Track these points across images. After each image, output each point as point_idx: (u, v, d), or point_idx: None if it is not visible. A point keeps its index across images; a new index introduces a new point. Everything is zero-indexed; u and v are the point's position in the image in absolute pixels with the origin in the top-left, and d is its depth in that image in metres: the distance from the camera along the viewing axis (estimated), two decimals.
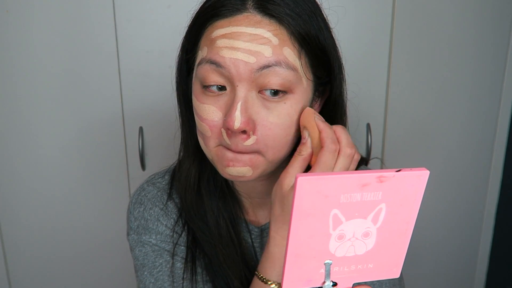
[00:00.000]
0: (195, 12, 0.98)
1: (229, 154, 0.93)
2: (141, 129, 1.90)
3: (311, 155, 0.88)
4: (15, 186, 1.96)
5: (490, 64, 2.06)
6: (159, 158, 1.95)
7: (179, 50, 1.03)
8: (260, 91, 0.89)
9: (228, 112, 0.89)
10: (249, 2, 0.89)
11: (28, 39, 1.80)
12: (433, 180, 2.26)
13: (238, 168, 0.93)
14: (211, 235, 1.08)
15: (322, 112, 1.03)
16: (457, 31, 1.98)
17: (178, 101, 1.08)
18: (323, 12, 0.97)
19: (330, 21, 0.99)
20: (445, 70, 2.02)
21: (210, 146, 0.95)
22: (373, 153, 2.01)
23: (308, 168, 0.91)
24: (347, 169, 0.88)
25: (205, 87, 0.91)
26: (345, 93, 1.05)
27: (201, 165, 1.10)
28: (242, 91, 0.88)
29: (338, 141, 0.88)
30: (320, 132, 0.87)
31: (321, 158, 0.85)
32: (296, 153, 0.90)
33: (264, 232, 1.16)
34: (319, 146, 0.87)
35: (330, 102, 1.04)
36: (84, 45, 1.82)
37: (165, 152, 1.90)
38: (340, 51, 1.01)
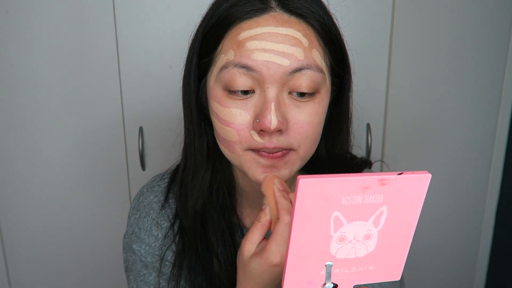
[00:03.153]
0: (207, 15, 0.95)
1: (264, 161, 0.91)
2: (141, 129, 1.90)
3: (270, 222, 0.84)
4: (16, 186, 1.96)
5: (490, 64, 2.05)
6: (159, 158, 1.94)
7: (187, 53, 1.00)
8: (290, 92, 0.88)
9: (261, 113, 0.86)
10: (273, 2, 0.88)
11: (28, 39, 1.79)
12: (433, 180, 2.25)
13: (275, 173, 0.91)
14: (210, 243, 1.08)
15: (333, 113, 1.04)
16: (457, 31, 1.97)
17: (185, 107, 1.03)
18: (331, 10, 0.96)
19: (336, 19, 0.98)
20: (445, 70, 2.02)
21: (237, 152, 0.92)
22: (373, 153, 2.01)
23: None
24: None
25: (231, 91, 0.89)
26: (352, 93, 1.05)
27: (212, 172, 1.08)
28: (273, 92, 0.86)
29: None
30: (276, 203, 0.82)
31: (276, 231, 0.80)
32: (256, 220, 0.86)
33: None
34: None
35: (342, 101, 1.03)
36: (84, 45, 1.82)
37: (165, 152, 1.88)
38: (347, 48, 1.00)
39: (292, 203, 0.81)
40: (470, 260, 2.32)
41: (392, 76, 1.96)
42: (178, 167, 1.15)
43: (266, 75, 0.85)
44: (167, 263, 1.11)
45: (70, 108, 1.88)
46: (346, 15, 1.76)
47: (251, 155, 0.91)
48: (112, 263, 2.05)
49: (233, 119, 0.89)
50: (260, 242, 0.83)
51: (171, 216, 1.13)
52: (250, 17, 0.87)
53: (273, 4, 0.87)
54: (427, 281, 2.28)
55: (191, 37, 0.99)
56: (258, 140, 0.88)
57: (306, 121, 0.89)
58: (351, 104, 1.07)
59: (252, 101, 0.88)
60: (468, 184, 2.22)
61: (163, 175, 1.19)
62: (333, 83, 0.97)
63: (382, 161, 2.00)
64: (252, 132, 0.88)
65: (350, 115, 1.08)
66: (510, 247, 2.25)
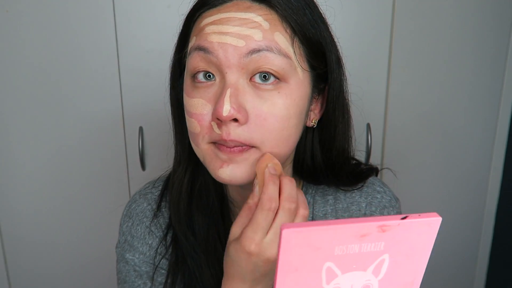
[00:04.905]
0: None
1: (223, 155, 0.82)
2: (141, 129, 1.85)
3: None
4: (15, 186, 1.91)
5: (490, 64, 2.01)
6: (159, 158, 1.89)
7: (172, 53, 0.95)
8: (251, 78, 0.80)
9: (218, 101, 0.79)
10: None
11: (28, 39, 1.75)
12: (433, 180, 2.15)
13: (232, 168, 0.82)
14: (199, 252, 0.99)
15: (323, 114, 0.93)
16: (457, 31, 1.93)
17: (171, 106, 1.00)
18: (318, 7, 0.88)
19: (327, 17, 0.90)
20: (445, 69, 1.96)
21: (200, 144, 0.84)
22: (373, 153, 1.94)
23: None
24: None
25: (194, 77, 0.83)
26: (346, 91, 0.94)
27: (193, 173, 0.99)
28: (231, 78, 0.79)
29: (279, 194, 0.76)
30: (262, 186, 0.76)
31: (254, 216, 0.74)
32: (245, 203, 0.79)
33: None
34: None
35: (330, 101, 0.91)
36: (84, 45, 1.77)
37: (165, 152, 1.83)
38: (340, 49, 0.90)
39: (280, 190, 0.76)
40: (470, 260, 2.29)
41: (392, 76, 1.91)
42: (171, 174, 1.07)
43: (223, 57, 0.79)
44: (162, 271, 1.02)
45: (71, 108, 1.83)
46: (346, 15, 1.69)
47: (211, 148, 0.84)
48: (112, 263, 1.97)
49: (195, 109, 0.83)
50: None
51: (163, 226, 1.04)
52: (214, 6, 0.82)
53: None
54: (427, 281, 2.16)
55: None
56: (216, 132, 0.81)
57: (269, 113, 0.80)
58: (347, 104, 0.95)
59: (214, 90, 0.82)
60: (468, 184, 2.16)
61: (156, 182, 1.11)
62: (317, 81, 0.88)
63: (388, 168, 1.90)
64: (213, 123, 0.81)
65: (347, 116, 0.96)
66: (510, 247, 2.23)
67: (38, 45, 1.75)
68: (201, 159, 0.87)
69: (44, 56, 1.76)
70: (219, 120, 0.79)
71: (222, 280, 0.81)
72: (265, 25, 0.78)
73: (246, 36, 0.78)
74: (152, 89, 1.82)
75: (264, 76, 0.79)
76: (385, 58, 1.88)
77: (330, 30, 0.89)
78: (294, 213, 0.76)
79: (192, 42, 0.83)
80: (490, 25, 1.94)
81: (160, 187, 1.08)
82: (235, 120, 0.78)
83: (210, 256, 0.98)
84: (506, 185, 2.18)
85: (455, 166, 2.11)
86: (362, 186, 1.04)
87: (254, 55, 0.78)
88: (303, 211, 0.77)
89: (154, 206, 1.05)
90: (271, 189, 0.75)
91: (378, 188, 1.05)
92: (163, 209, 1.05)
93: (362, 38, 1.86)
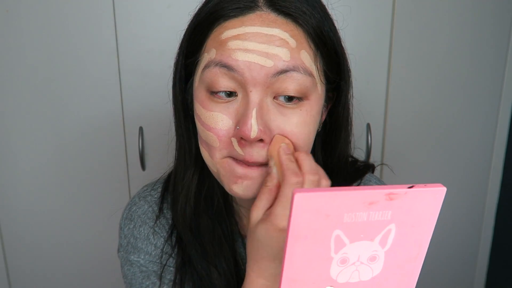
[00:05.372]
0: (195, 13, 0.87)
1: (239, 170, 0.82)
2: (141, 129, 1.85)
3: (278, 186, 0.77)
4: (15, 186, 1.91)
5: (490, 64, 2.02)
6: (159, 158, 1.89)
7: (176, 54, 0.93)
8: (275, 97, 0.79)
9: (241, 119, 0.78)
10: (260, 0, 0.80)
11: (28, 39, 1.75)
12: (433, 180, 2.16)
13: (247, 184, 0.83)
14: (206, 253, 0.99)
15: (328, 119, 0.95)
16: (457, 31, 1.94)
17: (174, 109, 0.97)
18: (330, 12, 0.87)
19: (336, 21, 0.90)
20: (445, 70, 1.97)
21: (216, 158, 0.84)
22: (373, 153, 1.95)
23: None
24: None
25: (213, 93, 0.81)
26: (351, 98, 0.95)
27: (200, 178, 0.99)
28: (256, 96, 0.78)
29: (300, 169, 0.76)
30: (280, 165, 0.76)
31: (281, 193, 0.73)
32: (263, 184, 0.79)
33: None
34: None
35: (338, 108, 0.93)
36: (84, 45, 1.77)
37: (165, 152, 1.83)
38: (347, 53, 0.91)
39: (300, 166, 0.76)
40: (470, 260, 2.30)
41: (392, 76, 1.92)
42: (170, 175, 1.07)
43: (248, 76, 0.77)
44: (170, 269, 1.01)
45: (70, 108, 1.83)
46: (346, 15, 1.71)
47: (228, 162, 0.83)
48: (112, 263, 2.00)
49: (214, 124, 0.81)
50: (268, 208, 0.76)
51: (167, 227, 1.04)
52: (235, 16, 0.79)
53: (261, 2, 0.79)
54: (427, 281, 2.24)
55: (181, 36, 0.92)
56: (238, 151, 0.81)
57: (291, 132, 0.81)
58: (350, 111, 0.97)
59: (235, 105, 0.80)
60: (468, 184, 2.17)
61: (154, 185, 1.10)
62: (328, 90, 0.88)
63: (385, 164, 1.92)
64: (233, 139, 0.81)
65: (349, 122, 0.98)
66: (510, 247, 2.24)
67: (38, 45, 1.75)
68: (214, 169, 0.87)
69: (44, 56, 1.76)
70: (243, 139, 0.79)
71: (247, 265, 0.80)
72: (292, 43, 0.78)
73: (274, 55, 0.76)
74: (152, 89, 1.82)
75: (288, 97, 0.79)
76: (385, 58, 1.88)
77: (341, 37, 0.89)
78: (318, 185, 0.76)
79: (212, 55, 0.80)
80: (490, 25, 1.95)
81: (159, 189, 1.08)
82: (261, 140, 0.79)
83: (217, 256, 0.98)
84: (506, 185, 2.18)
85: (455, 166, 2.11)
86: (360, 183, 1.06)
87: (281, 75, 0.77)
88: (326, 182, 0.78)
89: (156, 208, 1.05)
90: (293, 165, 0.75)
91: (374, 185, 1.06)
92: (165, 211, 1.05)
93: (362, 38, 1.86)
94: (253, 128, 0.76)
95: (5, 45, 1.75)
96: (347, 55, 0.90)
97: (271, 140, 0.79)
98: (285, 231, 0.69)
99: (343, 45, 0.89)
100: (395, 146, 2.01)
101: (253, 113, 0.77)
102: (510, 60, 2.02)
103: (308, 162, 0.77)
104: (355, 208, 0.49)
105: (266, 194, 0.77)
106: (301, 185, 0.74)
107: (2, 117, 1.82)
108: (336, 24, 0.88)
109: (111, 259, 1.99)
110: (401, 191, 0.49)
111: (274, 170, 0.78)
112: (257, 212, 0.76)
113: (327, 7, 0.87)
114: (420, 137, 2.03)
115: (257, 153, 0.80)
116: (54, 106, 1.82)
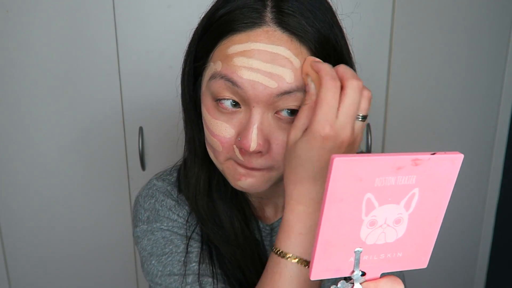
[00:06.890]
0: (206, 17, 0.91)
1: (241, 170, 0.89)
2: (141, 129, 1.89)
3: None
4: (15, 186, 1.94)
5: (490, 64, 2.05)
6: (159, 158, 1.93)
7: (185, 53, 0.97)
8: (277, 111, 0.85)
9: (243, 133, 0.84)
10: (268, 15, 0.82)
11: (28, 39, 1.79)
12: None
13: (250, 181, 0.90)
14: (227, 236, 1.04)
15: None
16: (457, 31, 1.97)
17: (183, 104, 1.01)
18: (338, 18, 0.91)
19: (345, 27, 0.94)
20: (445, 70, 2.01)
21: (220, 160, 0.92)
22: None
23: None
24: (357, 105, 0.79)
25: (218, 100, 0.86)
26: None
27: (209, 168, 1.04)
28: (258, 112, 0.83)
29: (341, 77, 0.78)
30: (318, 73, 0.78)
31: (320, 97, 0.76)
32: (302, 104, 0.82)
33: (273, 230, 1.11)
34: None
35: None
36: (84, 45, 1.81)
37: (165, 152, 1.89)
38: (353, 56, 0.95)
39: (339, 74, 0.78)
40: (470, 260, 2.32)
41: (392, 76, 1.96)
42: (181, 165, 1.13)
43: (252, 94, 0.82)
44: (196, 236, 1.05)
45: (70, 108, 1.87)
46: (346, 15, 1.76)
47: (231, 163, 0.91)
48: (112, 262, 2.04)
49: (218, 132, 0.88)
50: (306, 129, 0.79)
51: (187, 207, 1.08)
52: (243, 30, 0.83)
53: (268, 18, 0.82)
54: (427, 281, 2.27)
55: (190, 35, 0.96)
56: (239, 157, 0.88)
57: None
58: None
59: (239, 117, 0.86)
60: (468, 184, 2.20)
61: (170, 170, 1.16)
62: None
63: None
64: (235, 147, 0.87)
65: None
66: (510, 247, 2.26)
67: (38, 45, 1.78)
68: (220, 168, 0.94)
69: (44, 57, 1.80)
70: (242, 149, 0.85)
71: (286, 194, 0.83)
72: (296, 62, 0.81)
73: (278, 76, 0.80)
74: (152, 89, 1.86)
75: (290, 111, 0.84)
76: (385, 58, 1.92)
77: (348, 42, 0.92)
78: (361, 92, 0.79)
79: (218, 67, 0.84)
80: (490, 25, 1.98)
81: (174, 174, 1.13)
82: (259, 152, 0.85)
83: (239, 238, 1.04)
84: (506, 185, 2.20)
85: None
86: None
87: (284, 95, 0.81)
88: (367, 92, 0.82)
89: (175, 188, 1.10)
90: (330, 70, 0.77)
91: None
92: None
93: (362, 38, 1.88)
94: (252, 142, 0.82)
95: (4, 45, 1.78)
96: (354, 59, 0.95)
97: (270, 151, 0.86)
98: (327, 139, 0.75)
99: (350, 49, 0.93)
100: (395, 146, 2.04)
101: (254, 129, 0.83)
102: (510, 60, 2.05)
103: (350, 70, 0.80)
104: (385, 173, 0.57)
105: (306, 111, 0.80)
106: (339, 90, 0.76)
107: (2, 117, 1.85)
108: (344, 31, 0.91)
109: (111, 259, 2.03)
110: (425, 157, 0.57)
111: (313, 86, 0.80)
112: (295, 131, 0.80)
113: (336, 14, 0.91)
114: (420, 137, 2.07)
115: (256, 161, 0.87)
116: (54, 106, 1.85)
